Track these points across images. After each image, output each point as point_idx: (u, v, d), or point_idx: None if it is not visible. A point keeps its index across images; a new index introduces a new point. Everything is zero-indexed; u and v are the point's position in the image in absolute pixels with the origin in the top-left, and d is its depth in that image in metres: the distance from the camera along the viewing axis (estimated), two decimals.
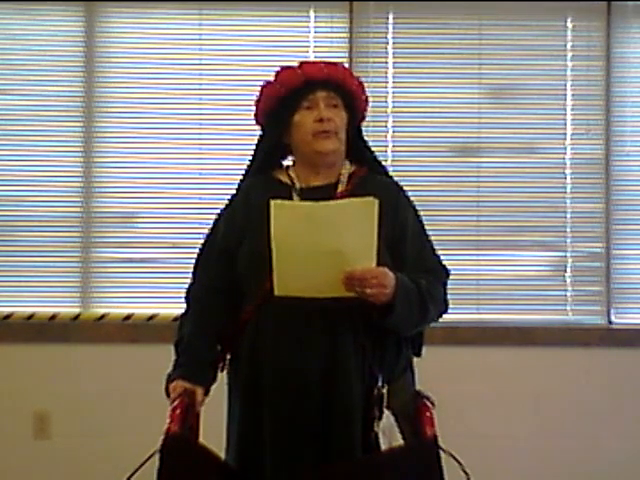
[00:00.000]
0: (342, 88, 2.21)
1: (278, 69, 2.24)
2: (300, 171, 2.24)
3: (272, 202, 1.98)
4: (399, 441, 2.14)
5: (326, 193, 2.15)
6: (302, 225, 1.98)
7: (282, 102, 2.20)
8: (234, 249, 2.19)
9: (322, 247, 1.97)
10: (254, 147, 2.32)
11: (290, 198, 2.16)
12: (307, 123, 2.18)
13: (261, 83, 2.26)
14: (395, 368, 2.15)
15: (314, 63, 2.25)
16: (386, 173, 2.32)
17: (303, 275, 2.01)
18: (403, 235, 2.18)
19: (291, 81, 2.19)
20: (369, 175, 2.26)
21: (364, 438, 2.07)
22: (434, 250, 2.25)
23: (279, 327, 2.09)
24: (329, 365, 2.06)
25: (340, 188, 2.20)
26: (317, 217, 1.99)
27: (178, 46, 3.95)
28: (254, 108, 2.28)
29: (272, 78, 2.24)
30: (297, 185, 2.21)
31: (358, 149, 2.28)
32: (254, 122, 2.33)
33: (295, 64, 2.22)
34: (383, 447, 2.09)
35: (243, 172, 2.33)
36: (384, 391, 2.08)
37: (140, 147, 3.92)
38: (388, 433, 2.10)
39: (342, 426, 2.05)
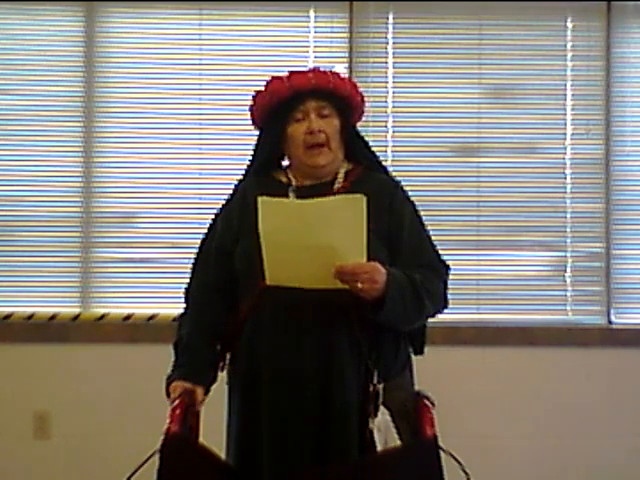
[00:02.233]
0: (333, 95, 2.21)
1: (268, 79, 2.23)
2: (297, 173, 2.26)
3: (259, 199, 1.98)
4: (395, 438, 2.14)
5: (322, 191, 2.15)
6: (290, 221, 1.99)
7: (274, 113, 2.21)
8: (231, 248, 2.19)
9: (312, 242, 1.97)
10: (252, 149, 2.32)
11: (286, 196, 2.18)
12: (298, 135, 2.19)
13: (261, 83, 2.25)
14: (393, 365, 2.15)
15: (302, 73, 2.22)
16: (384, 170, 2.32)
17: (294, 267, 2.01)
18: (399, 230, 2.18)
19: (279, 92, 2.19)
20: (366, 173, 2.26)
21: (360, 435, 2.06)
22: (433, 246, 2.24)
23: (275, 325, 2.09)
24: (325, 362, 2.06)
25: (336, 186, 2.21)
26: (304, 214, 1.99)
27: (178, 46, 3.95)
28: (249, 114, 2.29)
29: (262, 87, 2.24)
30: (294, 184, 2.22)
31: (355, 147, 2.28)
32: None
33: (284, 74, 2.21)
34: (378, 444, 2.08)
35: (243, 173, 2.34)
36: (380, 387, 2.08)
37: (140, 147, 3.92)
38: (383, 430, 2.10)
39: (338, 422, 2.06)
